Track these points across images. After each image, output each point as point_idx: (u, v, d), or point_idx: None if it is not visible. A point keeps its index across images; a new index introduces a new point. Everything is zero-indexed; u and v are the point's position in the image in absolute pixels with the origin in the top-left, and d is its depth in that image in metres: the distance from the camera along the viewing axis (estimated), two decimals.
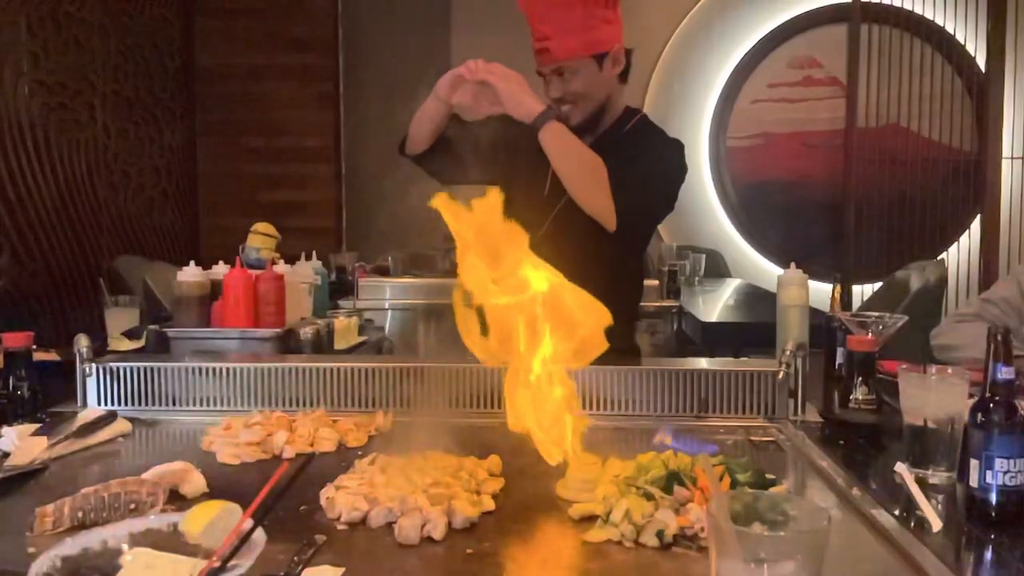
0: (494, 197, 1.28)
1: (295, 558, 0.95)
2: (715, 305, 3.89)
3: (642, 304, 3.41)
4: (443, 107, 2.00)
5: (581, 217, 2.02)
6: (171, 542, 0.87)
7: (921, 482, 1.21)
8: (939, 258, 5.25)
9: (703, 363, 1.73)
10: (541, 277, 1.29)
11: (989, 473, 1.09)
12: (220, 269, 2.19)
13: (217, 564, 0.78)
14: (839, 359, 1.87)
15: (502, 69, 1.91)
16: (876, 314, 1.75)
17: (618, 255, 2.13)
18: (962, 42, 5.37)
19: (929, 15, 5.38)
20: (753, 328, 3.11)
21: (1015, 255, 5.35)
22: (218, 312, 2.09)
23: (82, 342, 1.69)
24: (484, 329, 1.27)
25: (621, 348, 2.16)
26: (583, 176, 1.94)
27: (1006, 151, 5.38)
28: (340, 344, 2.28)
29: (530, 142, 2.06)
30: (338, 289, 3.43)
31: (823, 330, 1.91)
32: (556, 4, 1.96)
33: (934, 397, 1.25)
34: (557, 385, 1.29)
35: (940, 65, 5.40)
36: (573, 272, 2.12)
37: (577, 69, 1.98)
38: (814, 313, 1.93)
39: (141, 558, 0.84)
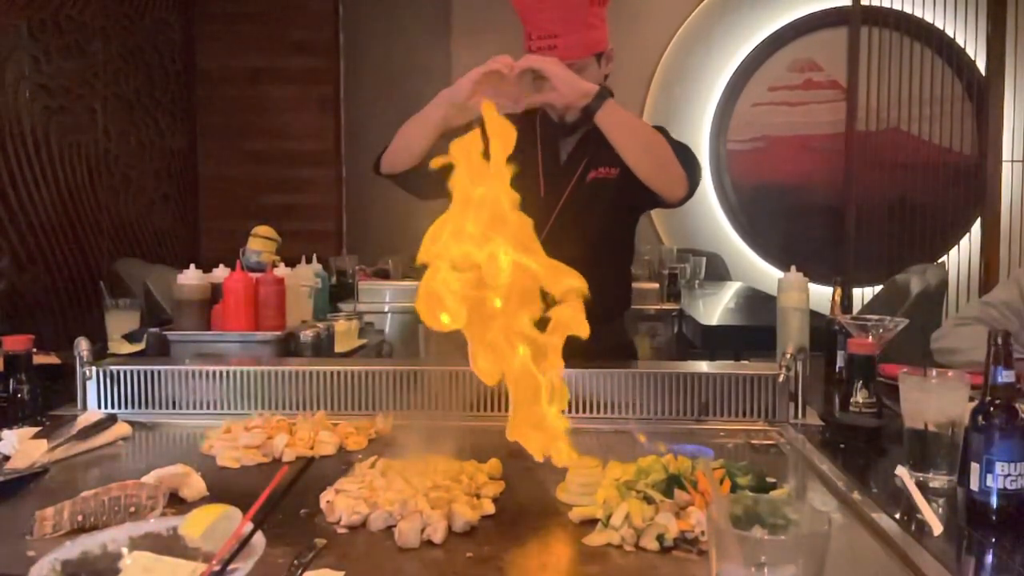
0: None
1: (295, 562, 0.95)
2: (715, 308, 3.90)
3: (643, 307, 3.42)
4: (453, 112, 1.90)
5: (584, 212, 2.02)
6: (171, 546, 0.87)
7: (922, 486, 1.21)
8: (939, 261, 5.25)
9: (703, 366, 1.73)
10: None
11: (989, 477, 1.09)
12: (220, 272, 2.19)
13: (217, 568, 0.78)
14: (840, 362, 1.87)
15: (542, 56, 1.85)
16: (876, 317, 1.75)
17: (617, 245, 2.13)
18: (962, 45, 5.37)
19: (929, 18, 5.38)
20: (753, 331, 3.11)
21: (1015, 258, 5.35)
22: (218, 315, 2.09)
23: (82, 345, 1.69)
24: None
25: (618, 342, 2.16)
26: (650, 148, 1.90)
27: (1006, 154, 5.39)
28: (340, 347, 2.28)
29: (520, 147, 2.03)
30: (338, 292, 3.44)
31: (824, 333, 1.91)
32: (564, 3, 1.95)
33: (935, 400, 1.25)
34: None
35: (940, 68, 5.40)
36: (582, 269, 2.12)
37: (582, 68, 1.97)
38: (814, 316, 1.93)
39: (141, 562, 0.84)
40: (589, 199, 2.02)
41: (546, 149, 2.06)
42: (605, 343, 2.10)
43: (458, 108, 1.88)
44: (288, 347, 2.09)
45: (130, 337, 2.25)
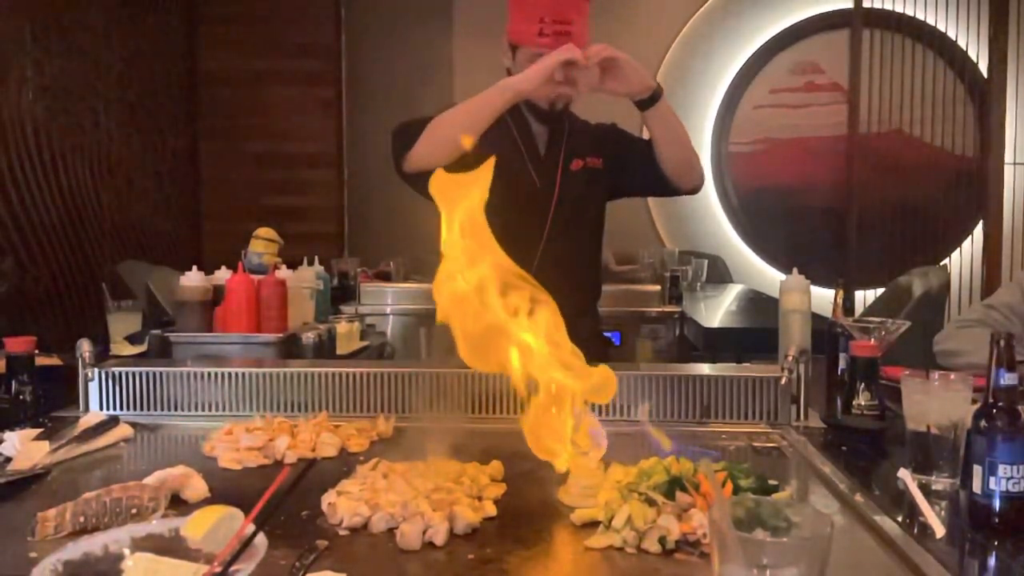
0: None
1: (297, 564, 0.95)
2: (717, 310, 3.89)
3: (644, 309, 3.44)
4: (515, 100, 1.89)
5: (579, 201, 2.02)
6: (173, 547, 0.87)
7: (924, 488, 1.20)
8: (941, 264, 5.24)
9: (705, 369, 1.73)
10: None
11: (992, 479, 1.08)
12: (222, 274, 2.19)
13: (219, 570, 0.78)
14: (842, 365, 1.86)
15: (609, 46, 1.86)
16: (879, 319, 1.75)
17: (599, 234, 2.16)
18: (964, 47, 5.37)
19: (931, 20, 5.38)
20: (755, 333, 3.11)
21: (1017, 261, 5.34)
22: (220, 317, 2.09)
23: (84, 347, 1.69)
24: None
25: (600, 328, 2.18)
26: (682, 143, 1.98)
27: (1008, 156, 5.38)
28: (342, 349, 2.28)
29: (499, 138, 2.02)
30: (340, 294, 3.44)
31: (826, 336, 1.90)
32: None
33: (937, 403, 1.25)
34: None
35: (942, 70, 5.40)
36: (584, 258, 2.13)
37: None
38: (816, 319, 1.92)
39: (142, 563, 0.84)
40: (581, 188, 2.03)
41: (524, 140, 2.05)
42: (592, 330, 2.12)
43: (519, 96, 1.89)
44: (290, 349, 2.09)
45: (132, 339, 2.25)
